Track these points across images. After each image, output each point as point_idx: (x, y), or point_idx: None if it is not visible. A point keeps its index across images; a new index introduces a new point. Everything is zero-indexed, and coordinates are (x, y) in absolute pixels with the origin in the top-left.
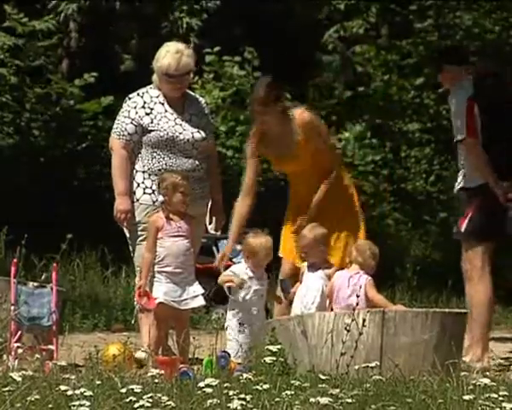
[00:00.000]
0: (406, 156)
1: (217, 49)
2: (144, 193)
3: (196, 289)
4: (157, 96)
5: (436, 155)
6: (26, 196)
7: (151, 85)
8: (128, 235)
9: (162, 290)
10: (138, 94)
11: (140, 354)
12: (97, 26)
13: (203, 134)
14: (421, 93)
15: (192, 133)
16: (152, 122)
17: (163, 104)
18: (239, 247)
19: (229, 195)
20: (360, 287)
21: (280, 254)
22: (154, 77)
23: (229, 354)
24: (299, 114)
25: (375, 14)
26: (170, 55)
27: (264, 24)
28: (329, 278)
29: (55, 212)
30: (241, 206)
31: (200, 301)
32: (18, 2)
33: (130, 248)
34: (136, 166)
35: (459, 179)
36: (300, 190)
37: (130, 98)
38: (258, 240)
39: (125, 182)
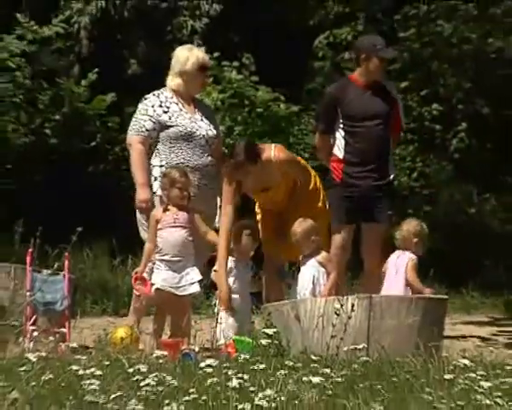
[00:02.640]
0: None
1: (216, 54)
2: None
3: (194, 276)
4: (171, 97)
5: (419, 153)
6: (39, 191)
7: (164, 88)
8: (145, 223)
9: (161, 277)
10: (154, 94)
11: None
12: (107, 33)
13: (215, 132)
14: (406, 96)
15: (206, 130)
16: (170, 119)
17: (177, 104)
18: None
19: None
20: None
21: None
22: (172, 81)
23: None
24: (276, 156)
25: (362, 22)
26: (195, 51)
27: (260, 32)
28: (321, 264)
29: (66, 206)
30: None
31: (196, 288)
32: (31, 11)
33: (143, 235)
34: (154, 161)
35: None
36: (270, 211)
37: (146, 98)
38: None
39: (144, 173)
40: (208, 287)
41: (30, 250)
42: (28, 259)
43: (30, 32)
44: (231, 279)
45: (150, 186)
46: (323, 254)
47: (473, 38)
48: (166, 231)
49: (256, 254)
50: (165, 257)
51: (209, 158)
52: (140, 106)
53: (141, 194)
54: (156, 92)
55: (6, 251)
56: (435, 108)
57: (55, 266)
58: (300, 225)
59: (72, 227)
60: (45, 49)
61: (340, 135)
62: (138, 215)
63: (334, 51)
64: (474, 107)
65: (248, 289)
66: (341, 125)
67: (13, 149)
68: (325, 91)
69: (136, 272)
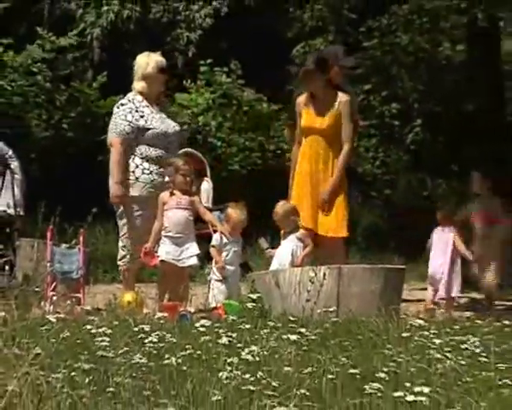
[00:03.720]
0: (357, 146)
1: (209, 61)
2: (143, 173)
3: (193, 250)
4: (142, 101)
5: (381, 145)
6: (58, 177)
7: (132, 93)
8: (120, 210)
9: (165, 250)
10: (129, 100)
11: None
12: (116, 43)
13: (179, 127)
14: (369, 96)
15: (174, 127)
16: (146, 122)
17: (148, 107)
18: (222, 215)
19: (217, 177)
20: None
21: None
22: (137, 84)
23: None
24: (342, 95)
25: (332, 34)
26: (153, 56)
27: (246, 42)
28: (300, 239)
29: (81, 190)
30: (295, 153)
31: (194, 261)
32: (50, 25)
33: (120, 222)
34: (135, 153)
35: None
36: (309, 155)
37: (122, 104)
38: (235, 210)
39: (121, 173)
40: (203, 259)
41: (50, 228)
42: (49, 235)
43: (49, 42)
44: (224, 253)
45: (133, 172)
46: (302, 231)
47: (426, 48)
48: (171, 211)
49: (243, 230)
50: (169, 233)
51: (177, 150)
52: (119, 111)
53: (115, 191)
54: (130, 98)
55: (30, 229)
56: (394, 107)
57: (72, 241)
58: (282, 207)
59: (87, 208)
60: (62, 57)
61: None
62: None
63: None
64: (427, 106)
65: (238, 261)
66: None
67: (35, 141)
68: (295, 92)
69: (145, 247)
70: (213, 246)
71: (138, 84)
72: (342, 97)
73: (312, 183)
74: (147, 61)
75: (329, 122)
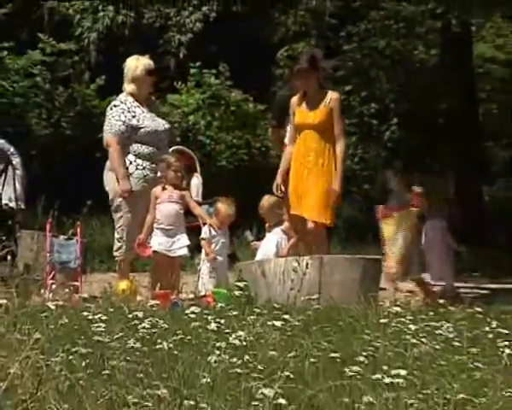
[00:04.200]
0: None
1: (198, 63)
2: (137, 169)
3: (183, 242)
4: (133, 102)
5: (360, 143)
6: (57, 173)
7: (123, 94)
8: (115, 204)
9: (157, 241)
10: (122, 102)
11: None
12: (111, 47)
13: (168, 124)
14: (349, 97)
15: (164, 125)
16: (138, 122)
17: (139, 107)
18: (211, 209)
19: (206, 173)
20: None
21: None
22: (128, 86)
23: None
24: (333, 93)
25: (314, 38)
26: (141, 59)
27: (234, 45)
28: (284, 232)
29: (79, 184)
30: (289, 152)
31: (184, 251)
32: (51, 30)
33: (115, 215)
34: (128, 150)
35: None
36: (302, 148)
37: (115, 106)
38: (224, 205)
39: (124, 168)
40: (193, 249)
41: (49, 220)
42: (48, 227)
43: (49, 46)
44: (213, 245)
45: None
46: (286, 224)
47: (402, 51)
48: (163, 205)
49: (231, 223)
50: (161, 226)
51: (167, 147)
52: (113, 112)
53: (124, 185)
54: (122, 99)
55: (31, 221)
56: (373, 107)
57: (70, 232)
58: (267, 201)
59: (83, 201)
60: (61, 60)
61: (291, 128)
62: (117, 201)
63: (292, 61)
64: (403, 106)
65: (226, 252)
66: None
67: (36, 139)
68: (277, 94)
69: (139, 239)
70: (203, 239)
71: (129, 86)
72: (333, 94)
73: (303, 173)
74: (136, 64)
75: (321, 118)
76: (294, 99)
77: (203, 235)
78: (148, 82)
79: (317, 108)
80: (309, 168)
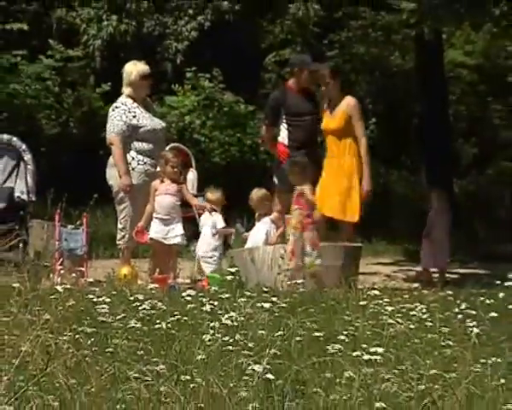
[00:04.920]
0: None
1: (194, 68)
2: (138, 164)
3: (178, 231)
4: (132, 103)
5: None
6: (65, 168)
7: (123, 96)
8: (119, 196)
9: (154, 230)
10: (122, 103)
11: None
12: (114, 53)
13: (164, 123)
14: None
15: (160, 124)
16: (138, 121)
17: (138, 108)
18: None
19: (201, 168)
20: None
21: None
22: (126, 89)
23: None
24: (351, 98)
25: (300, 45)
26: (138, 64)
27: (227, 52)
28: (273, 221)
29: (85, 179)
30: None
31: (179, 239)
32: (60, 37)
33: (118, 207)
34: (130, 148)
35: None
36: (333, 149)
37: (117, 107)
38: (212, 192)
39: (125, 165)
40: (190, 237)
41: (58, 211)
42: (57, 217)
43: (58, 52)
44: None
45: (129, 163)
46: (275, 214)
47: (380, 57)
48: (161, 197)
49: (224, 215)
50: (159, 215)
51: (164, 145)
52: (114, 113)
53: (125, 180)
54: (123, 101)
55: (41, 212)
56: None
57: (77, 222)
58: (256, 194)
59: (89, 194)
60: (69, 65)
61: (284, 127)
62: (120, 194)
63: (279, 66)
64: (380, 107)
65: (221, 239)
66: (285, 120)
67: (45, 137)
68: (270, 96)
69: (137, 226)
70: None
71: (126, 89)
72: (351, 101)
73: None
74: (131, 70)
75: (339, 123)
76: (323, 105)
77: (218, 226)
78: (143, 85)
79: (336, 114)
80: (333, 170)
